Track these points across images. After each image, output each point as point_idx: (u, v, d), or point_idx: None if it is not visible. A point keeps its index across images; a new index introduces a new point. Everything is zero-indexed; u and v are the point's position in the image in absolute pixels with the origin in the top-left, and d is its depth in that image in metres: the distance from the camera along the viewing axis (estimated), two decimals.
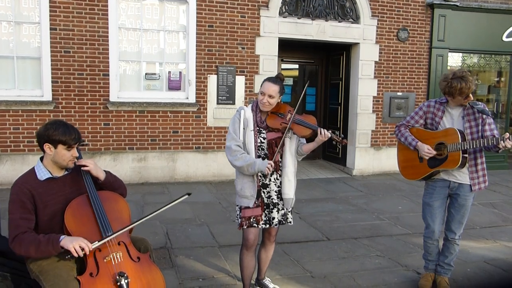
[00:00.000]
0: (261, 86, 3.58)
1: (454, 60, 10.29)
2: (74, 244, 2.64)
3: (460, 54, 10.37)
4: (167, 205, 3.01)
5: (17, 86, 7.49)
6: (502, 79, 10.94)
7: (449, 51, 9.84)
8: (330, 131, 3.47)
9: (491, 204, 7.29)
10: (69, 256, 2.65)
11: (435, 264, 4.18)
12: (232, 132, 3.58)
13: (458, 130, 3.78)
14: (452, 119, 3.91)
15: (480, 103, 3.92)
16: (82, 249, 2.64)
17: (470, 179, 3.88)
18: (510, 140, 3.51)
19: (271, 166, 3.40)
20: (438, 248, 4.17)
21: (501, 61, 10.68)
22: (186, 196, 3.01)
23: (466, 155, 3.79)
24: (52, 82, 7.53)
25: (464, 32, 9.78)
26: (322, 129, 3.46)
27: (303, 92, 3.91)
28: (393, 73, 9.52)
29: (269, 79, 3.58)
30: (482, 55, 10.52)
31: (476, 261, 4.84)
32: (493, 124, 3.86)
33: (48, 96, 7.54)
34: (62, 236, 2.72)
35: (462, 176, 3.90)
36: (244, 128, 3.56)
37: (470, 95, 3.78)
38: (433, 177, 3.99)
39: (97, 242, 2.74)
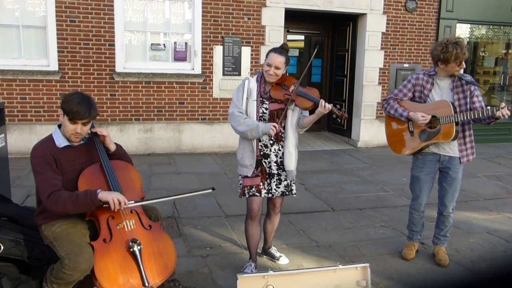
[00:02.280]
0: (266, 57, 3.57)
1: (462, 31, 10.16)
2: (113, 196, 2.73)
3: (468, 25, 10.21)
4: (189, 193, 3.13)
5: (23, 55, 7.48)
6: (510, 51, 10.81)
7: (457, 22, 9.71)
8: (331, 104, 3.44)
9: (496, 176, 7.33)
10: (106, 205, 2.75)
11: (419, 234, 4.25)
12: (235, 100, 3.61)
13: (450, 102, 3.76)
14: (441, 91, 3.87)
15: (467, 75, 3.89)
16: (119, 203, 2.74)
17: (459, 151, 3.89)
18: (506, 109, 3.50)
19: (275, 127, 3.40)
20: (423, 219, 4.22)
21: (509, 32, 10.54)
22: (210, 190, 3.10)
23: (458, 128, 3.79)
24: (58, 51, 7.51)
25: (473, 2, 9.62)
26: (323, 101, 3.44)
27: (309, 64, 3.86)
28: (400, 44, 9.43)
29: (275, 50, 3.55)
30: (491, 27, 10.37)
31: (479, 232, 4.91)
32: (481, 96, 3.83)
33: (54, 66, 7.53)
34: (99, 190, 2.78)
35: (452, 149, 3.90)
36: (247, 98, 3.58)
37: (463, 62, 3.74)
38: (422, 150, 3.97)
39: (133, 201, 2.86)
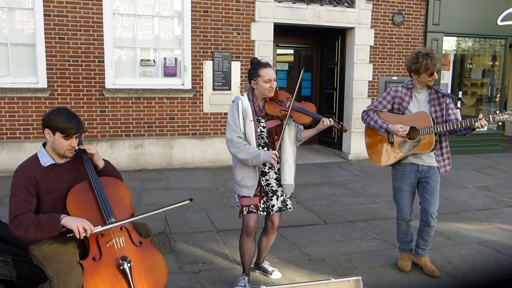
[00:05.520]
0: (260, 75, 3.48)
1: (449, 44, 10.30)
2: (78, 225, 2.64)
3: (455, 38, 10.37)
4: (171, 206, 3.05)
5: (12, 73, 7.45)
6: (496, 63, 10.96)
7: (444, 35, 9.84)
8: (329, 119, 3.46)
9: (485, 187, 7.37)
10: (71, 235, 2.65)
11: (410, 244, 4.27)
12: (232, 123, 3.50)
13: (429, 114, 3.85)
14: (418, 103, 3.97)
15: (443, 88, 3.99)
16: (85, 231, 2.65)
17: (437, 162, 3.97)
18: (484, 120, 3.60)
19: (276, 156, 3.38)
20: (411, 229, 4.25)
21: (495, 45, 10.70)
22: (188, 201, 3.03)
23: (437, 138, 3.87)
24: (47, 69, 7.49)
25: (459, 16, 9.77)
26: (324, 117, 3.47)
27: (299, 79, 3.73)
28: (388, 57, 9.54)
29: (264, 65, 3.53)
30: (477, 39, 10.53)
31: (470, 243, 4.92)
32: (455, 109, 3.95)
33: (43, 83, 7.50)
34: (63, 215, 2.72)
35: (429, 159, 3.98)
36: (243, 119, 3.51)
37: (435, 73, 3.84)
38: (401, 161, 4.04)
39: (100, 226, 2.76)
